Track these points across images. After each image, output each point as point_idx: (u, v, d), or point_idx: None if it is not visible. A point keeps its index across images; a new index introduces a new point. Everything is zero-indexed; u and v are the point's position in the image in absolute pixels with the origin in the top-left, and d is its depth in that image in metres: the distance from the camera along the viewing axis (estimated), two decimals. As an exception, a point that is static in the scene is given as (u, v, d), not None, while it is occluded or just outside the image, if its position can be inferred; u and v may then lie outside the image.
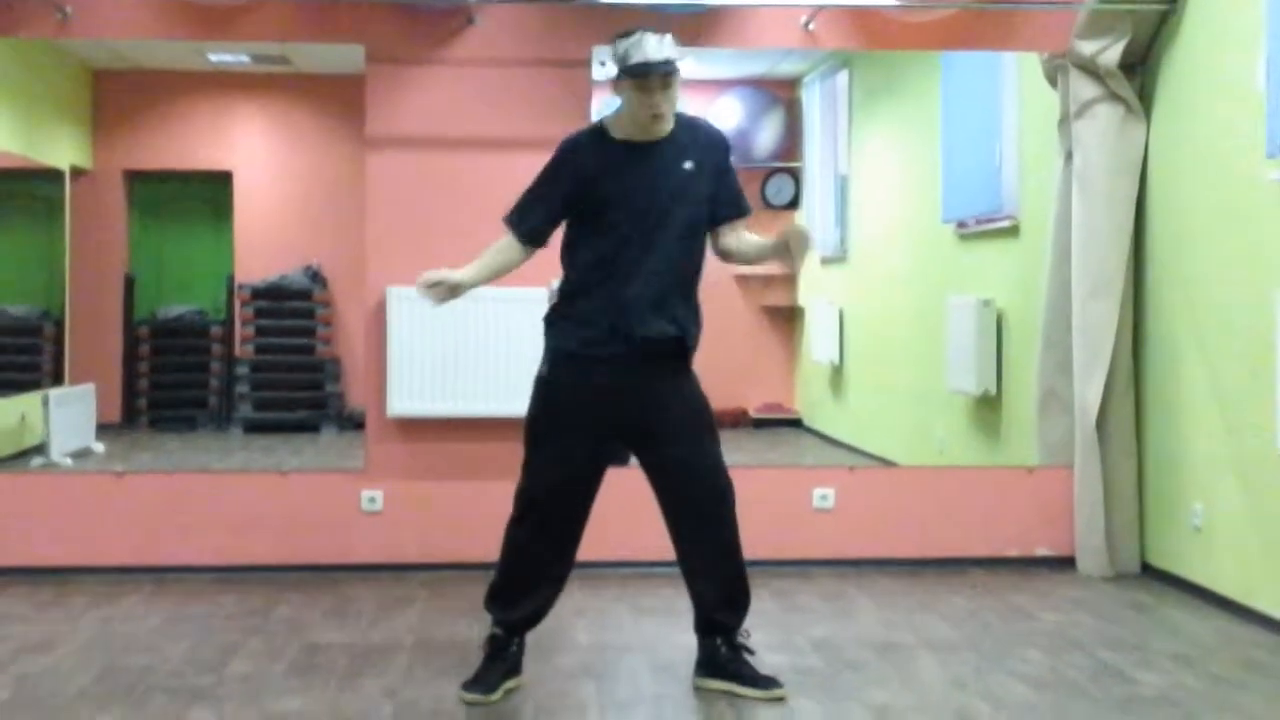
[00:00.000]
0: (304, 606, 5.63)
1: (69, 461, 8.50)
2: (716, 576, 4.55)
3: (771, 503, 6.40)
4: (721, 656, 4.54)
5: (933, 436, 8.29)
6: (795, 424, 10.73)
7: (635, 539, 6.25)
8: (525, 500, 4.45)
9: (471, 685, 4.42)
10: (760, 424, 10.74)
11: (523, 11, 6.26)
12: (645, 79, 4.26)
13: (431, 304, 4.46)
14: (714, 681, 4.53)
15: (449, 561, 6.13)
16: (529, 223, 4.47)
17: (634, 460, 4.58)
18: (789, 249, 4.38)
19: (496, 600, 4.53)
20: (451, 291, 4.40)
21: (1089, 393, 6.21)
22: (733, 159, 4.58)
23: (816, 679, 4.64)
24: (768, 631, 5.21)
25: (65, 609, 5.58)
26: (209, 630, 5.25)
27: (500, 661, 4.48)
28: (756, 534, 6.33)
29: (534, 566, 4.49)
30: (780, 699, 4.41)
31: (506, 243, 4.49)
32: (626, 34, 4.32)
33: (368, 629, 5.30)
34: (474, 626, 5.27)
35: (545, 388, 4.47)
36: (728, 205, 4.53)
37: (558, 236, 4.54)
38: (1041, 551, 6.44)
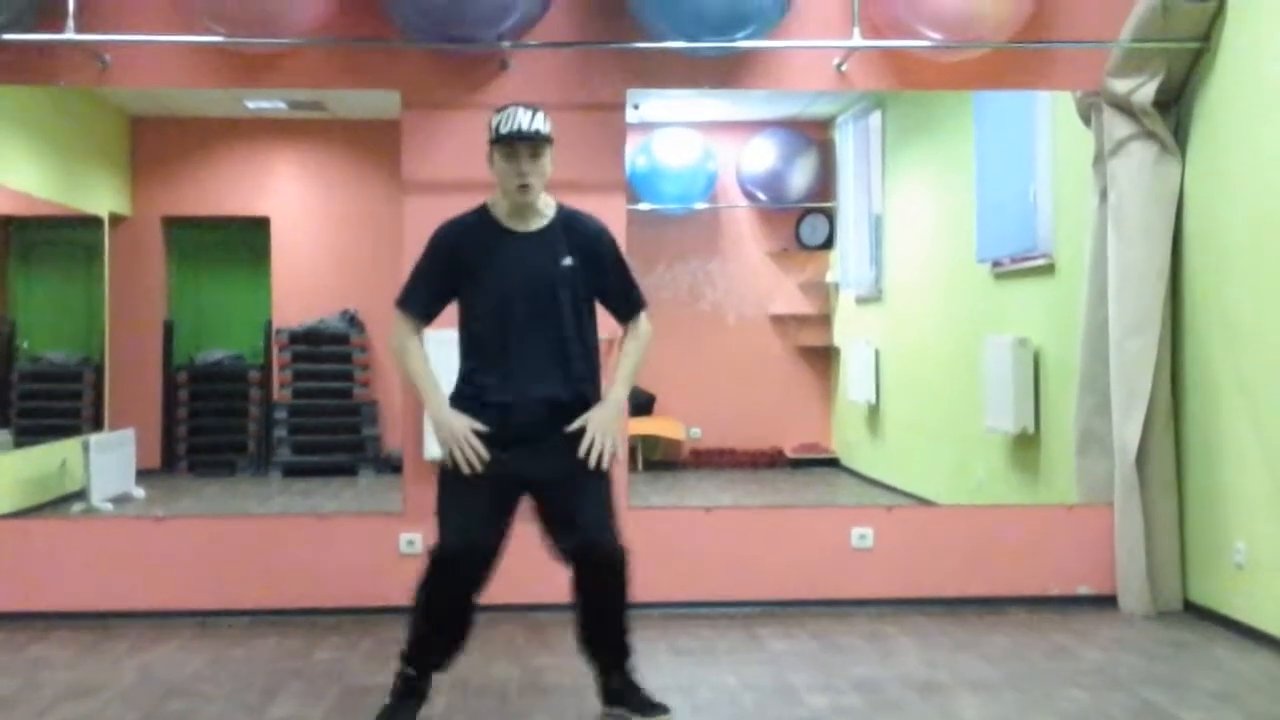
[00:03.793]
0: (344, 649, 5.65)
1: (109, 507, 8.55)
2: (604, 639, 4.61)
3: (810, 542, 6.38)
4: (611, 687, 4.63)
5: (971, 475, 8.26)
6: (832, 463, 10.73)
7: (672, 580, 6.25)
8: (447, 554, 4.44)
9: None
10: (797, 464, 10.76)
11: (556, 56, 6.30)
12: (512, 147, 4.40)
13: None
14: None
15: (487, 603, 6.10)
16: (420, 305, 4.58)
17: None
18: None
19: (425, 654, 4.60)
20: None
21: (1128, 430, 6.18)
22: (621, 252, 4.70)
23: (857, 719, 4.61)
24: (808, 672, 5.20)
25: (107, 654, 5.60)
26: (250, 674, 5.26)
27: (416, 699, 4.54)
28: (795, 574, 6.35)
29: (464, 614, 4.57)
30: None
31: (411, 329, 4.57)
32: (501, 109, 4.49)
33: (407, 672, 5.29)
34: (512, 668, 5.28)
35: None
36: (620, 300, 4.66)
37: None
38: (1082, 590, 6.40)
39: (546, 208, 4.57)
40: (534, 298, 4.46)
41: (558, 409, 4.45)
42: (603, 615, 4.55)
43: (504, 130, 4.41)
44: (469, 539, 4.38)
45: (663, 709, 4.56)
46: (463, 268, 4.51)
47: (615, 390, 4.55)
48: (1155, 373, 6.15)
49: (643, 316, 4.67)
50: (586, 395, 4.51)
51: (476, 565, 4.40)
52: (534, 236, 4.53)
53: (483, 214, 4.58)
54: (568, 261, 4.51)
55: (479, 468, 4.36)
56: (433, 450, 6.21)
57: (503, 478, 4.41)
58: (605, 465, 4.46)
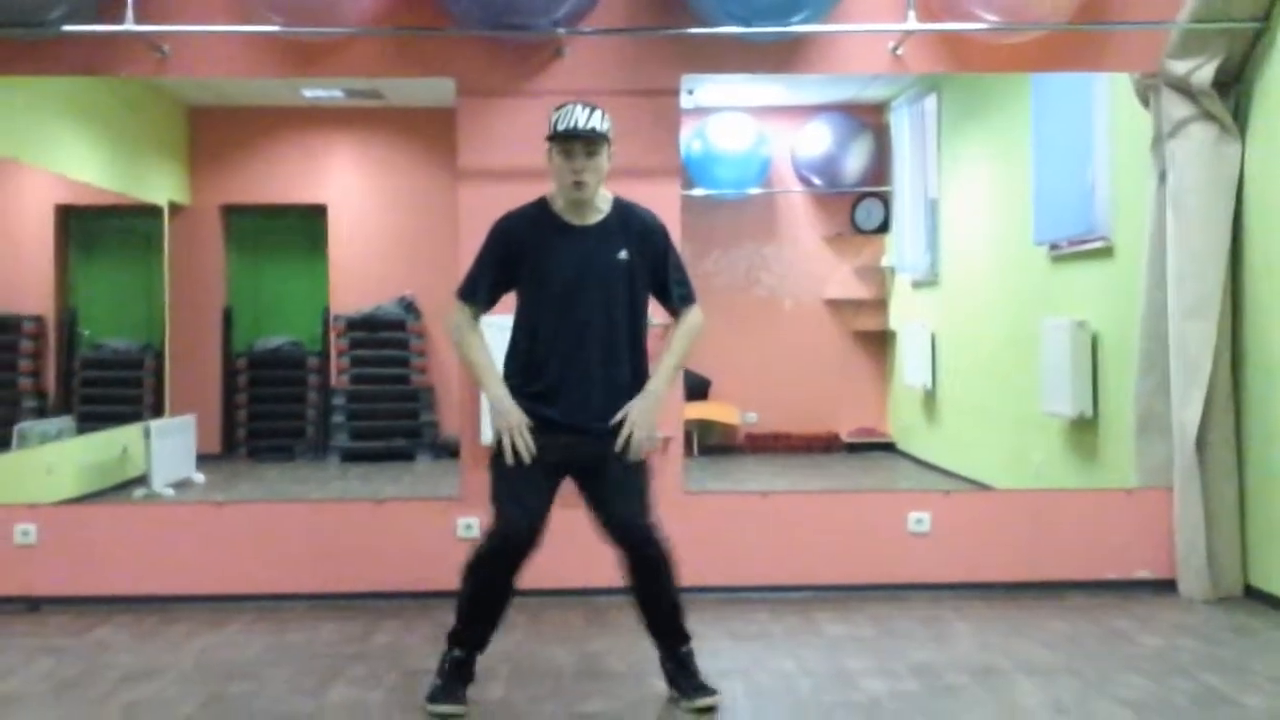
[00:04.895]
0: (402, 633, 5.68)
1: (170, 492, 8.64)
2: (654, 623, 4.69)
3: (867, 527, 6.37)
4: (665, 669, 4.70)
5: (1028, 459, 8.22)
6: (888, 448, 10.70)
7: (729, 565, 6.26)
8: (509, 532, 4.53)
9: (443, 699, 4.56)
10: (853, 448, 10.73)
11: (611, 43, 6.30)
12: (568, 144, 4.47)
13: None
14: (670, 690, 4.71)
15: (544, 587, 6.13)
16: (480, 295, 4.65)
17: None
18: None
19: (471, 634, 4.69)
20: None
21: (1188, 414, 6.13)
22: (674, 246, 4.77)
23: (915, 704, 4.61)
24: (865, 656, 5.20)
25: (168, 637, 5.66)
26: (309, 657, 5.31)
27: (465, 679, 4.64)
28: (852, 558, 6.35)
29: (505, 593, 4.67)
30: (711, 707, 4.56)
31: (471, 318, 4.65)
32: (560, 106, 4.55)
33: (465, 656, 5.32)
34: (569, 653, 5.30)
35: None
36: (671, 294, 4.71)
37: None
38: (1142, 574, 6.36)
39: (604, 202, 4.63)
40: (591, 290, 4.53)
41: (605, 406, 4.55)
42: (646, 600, 4.65)
43: (561, 127, 4.48)
44: (528, 519, 4.50)
45: (709, 691, 4.60)
46: (522, 259, 4.58)
47: (655, 381, 4.61)
48: (1215, 355, 6.09)
49: (693, 309, 4.73)
50: (633, 390, 4.59)
51: (531, 543, 4.51)
52: (591, 230, 4.59)
53: (542, 207, 4.65)
54: (624, 255, 4.57)
55: (526, 460, 4.48)
56: (489, 435, 6.23)
57: (549, 464, 4.53)
58: (641, 456, 4.56)
